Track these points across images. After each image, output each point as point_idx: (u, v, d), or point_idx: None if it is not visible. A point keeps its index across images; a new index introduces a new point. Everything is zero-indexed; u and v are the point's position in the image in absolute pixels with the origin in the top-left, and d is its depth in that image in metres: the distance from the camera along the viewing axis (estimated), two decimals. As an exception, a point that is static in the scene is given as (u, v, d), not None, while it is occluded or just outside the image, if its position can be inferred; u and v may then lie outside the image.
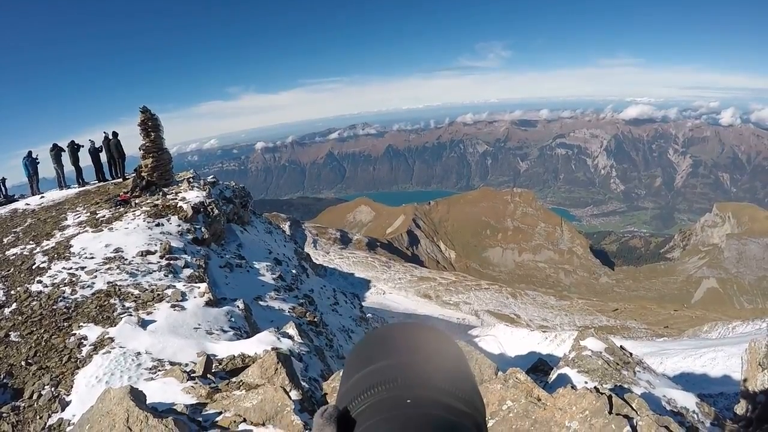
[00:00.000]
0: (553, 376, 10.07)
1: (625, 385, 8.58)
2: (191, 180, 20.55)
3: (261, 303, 15.33)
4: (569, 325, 49.34)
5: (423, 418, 0.64)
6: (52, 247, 13.48)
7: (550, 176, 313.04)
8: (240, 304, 11.81)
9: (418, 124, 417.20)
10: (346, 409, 0.70)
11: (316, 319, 16.36)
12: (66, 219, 16.29)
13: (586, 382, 8.53)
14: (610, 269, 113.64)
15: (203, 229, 16.78)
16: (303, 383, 7.59)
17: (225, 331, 10.20)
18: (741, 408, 7.54)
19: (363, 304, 32.61)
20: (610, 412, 5.82)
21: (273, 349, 8.65)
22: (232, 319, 10.85)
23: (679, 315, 57.39)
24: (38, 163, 22.42)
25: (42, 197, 20.79)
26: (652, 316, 57.16)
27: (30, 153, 22.34)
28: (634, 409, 6.19)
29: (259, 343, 9.12)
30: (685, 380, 16.97)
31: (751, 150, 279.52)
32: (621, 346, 10.76)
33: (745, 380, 7.58)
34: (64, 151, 21.73)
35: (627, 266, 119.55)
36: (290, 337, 10.42)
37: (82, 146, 22.06)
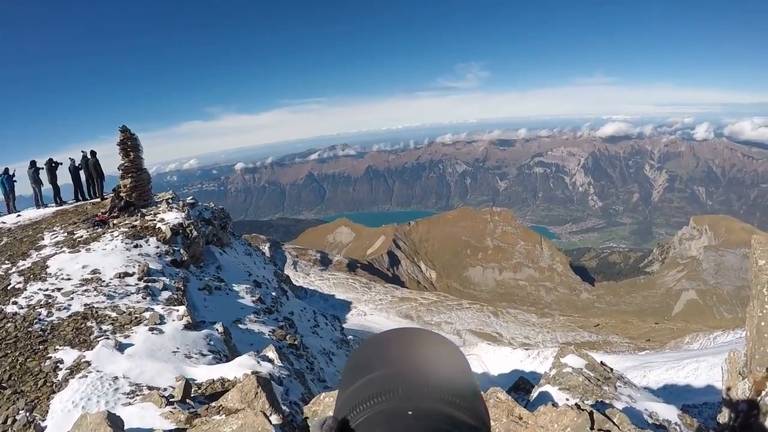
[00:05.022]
0: (534, 394, 10.14)
1: (607, 401, 8.68)
2: (170, 201, 20.39)
3: (240, 326, 15.16)
4: (551, 342, 49.60)
5: (425, 431, 0.62)
6: (28, 268, 13.19)
7: (529, 195, 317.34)
8: (219, 327, 11.67)
9: (398, 145, 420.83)
10: (345, 419, 0.68)
11: (296, 342, 16.20)
12: (43, 239, 15.97)
13: (567, 399, 8.62)
14: (591, 285, 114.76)
15: (182, 251, 16.61)
16: (284, 407, 7.52)
17: (204, 355, 10.05)
18: (723, 417, 7.68)
19: (344, 326, 32.42)
20: (591, 428, 5.90)
21: (253, 372, 8.57)
22: (212, 343, 10.70)
23: (660, 328, 58.12)
24: (15, 180, 21.98)
25: (18, 215, 20.36)
26: (634, 329, 57.81)
27: (6, 170, 21.80)
28: (615, 424, 6.28)
29: (239, 367, 9.01)
30: (668, 392, 17.20)
31: (726, 163, 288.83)
32: (601, 361, 10.90)
33: (726, 389, 7.75)
34: (42, 168, 21.39)
35: (607, 281, 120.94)
36: (270, 361, 10.34)
37: (61, 164, 21.76)
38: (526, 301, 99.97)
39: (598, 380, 9.62)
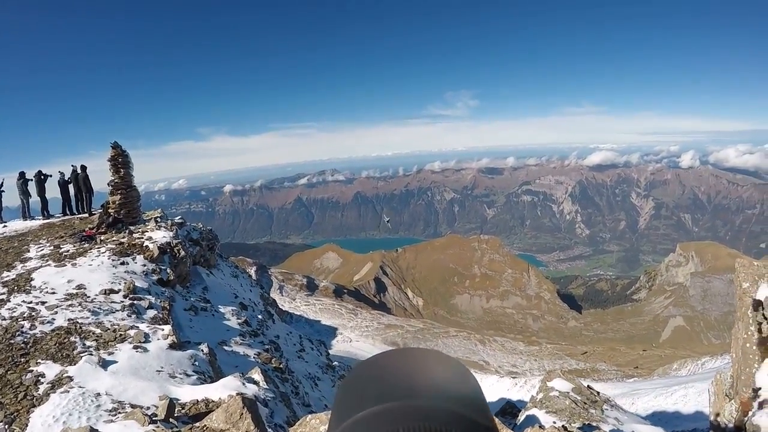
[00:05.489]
0: (521, 417, 10.09)
1: (593, 423, 8.66)
2: (158, 220, 20.26)
3: (226, 348, 14.97)
4: (539, 370, 49.30)
5: None
6: (12, 279, 13.02)
7: (517, 223, 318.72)
8: (204, 348, 11.52)
9: (387, 172, 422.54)
10: None
11: (281, 366, 15.99)
12: (28, 251, 15.81)
13: (554, 422, 8.58)
14: (578, 313, 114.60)
15: (169, 271, 16.45)
16: (269, 429, 7.41)
17: (188, 375, 9.91)
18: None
19: (330, 352, 32.04)
20: (578, 450, 5.88)
21: (238, 394, 8.48)
22: (196, 363, 10.56)
23: (648, 355, 58.02)
24: (3, 191, 21.80)
25: (5, 226, 20.13)
26: (622, 357, 57.65)
27: None
28: (602, 447, 6.27)
29: (224, 388, 8.90)
30: (657, 419, 17.09)
31: (711, 190, 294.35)
32: (588, 385, 10.90)
33: (713, 413, 7.78)
34: (31, 180, 21.24)
35: (594, 309, 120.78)
36: (256, 383, 10.20)
37: (50, 176, 21.64)
38: (513, 329, 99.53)
39: (585, 403, 9.61)
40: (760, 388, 6.49)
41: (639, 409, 19.26)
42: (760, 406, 6.22)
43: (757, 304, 7.12)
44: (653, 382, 28.50)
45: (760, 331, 6.96)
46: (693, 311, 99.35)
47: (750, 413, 6.33)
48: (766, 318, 6.90)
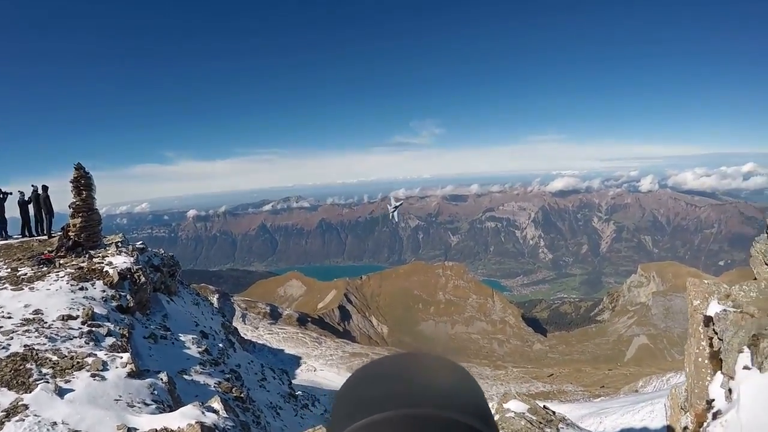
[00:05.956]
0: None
1: (549, 443, 8.92)
2: (119, 244, 19.91)
3: (186, 377, 14.72)
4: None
5: None
6: (-34, 302, 12.56)
7: (481, 249, 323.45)
8: (164, 376, 11.34)
9: (352, 199, 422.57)
10: None
11: (242, 395, 15.80)
12: (-16, 274, 15.29)
13: (511, 444, 8.82)
14: (543, 336, 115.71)
15: (129, 297, 16.15)
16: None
17: (147, 404, 9.73)
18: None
19: (294, 381, 31.57)
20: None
21: (197, 422, 8.44)
22: (155, 392, 10.38)
23: (614, 374, 58.65)
24: None
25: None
26: (588, 377, 58.22)
27: None
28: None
29: (183, 417, 8.81)
30: (625, 436, 17.41)
31: (670, 212, 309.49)
32: (544, 405, 11.19)
33: (669, 426, 8.12)
34: None
35: (559, 332, 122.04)
36: (215, 412, 10.10)
37: (10, 194, 21.01)
38: (479, 355, 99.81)
39: (541, 423, 9.90)
40: (713, 400, 6.91)
41: (607, 427, 19.60)
42: (714, 416, 6.61)
43: (708, 320, 7.61)
44: (620, 401, 29.03)
45: (711, 345, 7.43)
46: (656, 329, 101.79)
47: (705, 424, 6.72)
48: (716, 333, 7.38)
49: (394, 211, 37.43)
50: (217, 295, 73.83)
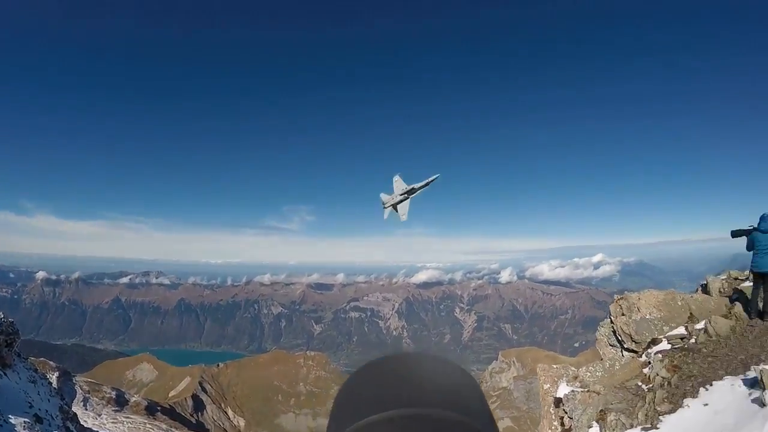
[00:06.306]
0: None
1: None
2: None
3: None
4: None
5: None
6: None
7: (344, 339, 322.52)
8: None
9: (215, 280, 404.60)
10: None
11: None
12: None
13: None
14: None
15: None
16: None
17: None
18: None
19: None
20: None
21: None
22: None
23: None
24: None
25: None
26: None
27: None
28: None
29: None
30: None
31: (528, 301, 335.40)
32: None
33: None
34: None
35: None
36: None
37: None
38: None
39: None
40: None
41: None
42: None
43: (558, 401, 8.37)
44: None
45: (562, 424, 8.07)
46: (519, 411, 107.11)
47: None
48: (566, 412, 8.21)
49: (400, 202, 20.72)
50: (57, 373, 64.23)
